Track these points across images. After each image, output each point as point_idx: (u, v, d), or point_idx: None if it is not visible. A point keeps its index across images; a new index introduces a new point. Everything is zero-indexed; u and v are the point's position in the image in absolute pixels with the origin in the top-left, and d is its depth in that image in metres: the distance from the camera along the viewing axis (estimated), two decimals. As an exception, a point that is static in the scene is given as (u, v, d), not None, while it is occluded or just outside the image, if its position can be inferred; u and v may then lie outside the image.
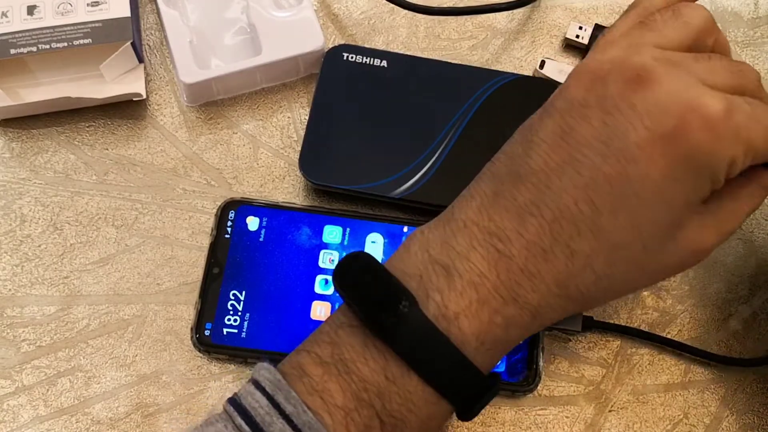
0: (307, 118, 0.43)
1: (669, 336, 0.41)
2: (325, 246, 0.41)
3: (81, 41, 0.42)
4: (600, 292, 0.30)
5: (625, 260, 0.29)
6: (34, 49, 0.42)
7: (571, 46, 0.47)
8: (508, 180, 0.30)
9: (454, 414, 0.30)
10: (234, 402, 0.29)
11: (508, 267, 0.29)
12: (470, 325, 0.28)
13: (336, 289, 0.30)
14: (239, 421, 0.28)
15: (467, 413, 0.30)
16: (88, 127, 0.45)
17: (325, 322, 0.31)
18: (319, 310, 0.39)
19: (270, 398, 0.28)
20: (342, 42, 0.47)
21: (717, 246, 0.32)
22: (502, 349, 0.30)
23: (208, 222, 0.42)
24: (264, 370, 0.29)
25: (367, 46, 0.47)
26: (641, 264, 0.30)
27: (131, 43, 0.42)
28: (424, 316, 0.28)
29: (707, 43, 0.31)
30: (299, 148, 0.42)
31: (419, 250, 0.30)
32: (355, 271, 0.29)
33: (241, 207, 0.41)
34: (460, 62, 0.45)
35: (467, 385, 0.29)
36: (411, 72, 0.44)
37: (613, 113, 0.28)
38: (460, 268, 0.29)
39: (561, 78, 0.45)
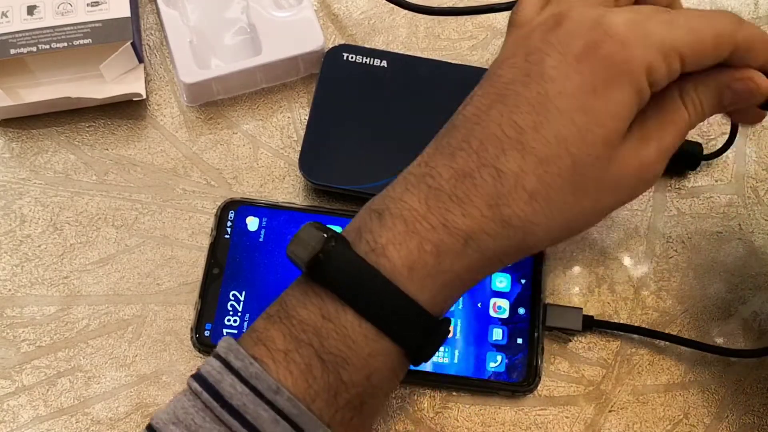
0: (307, 118, 0.43)
1: (669, 336, 0.41)
2: (325, 246, 0.41)
3: (81, 41, 0.42)
4: (538, 216, 0.30)
5: (556, 176, 0.29)
6: (34, 49, 0.42)
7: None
8: (445, 134, 0.31)
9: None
10: (194, 373, 0.30)
11: (438, 196, 0.29)
12: (399, 255, 0.29)
13: (286, 255, 0.31)
14: (195, 385, 0.29)
15: (414, 353, 0.30)
16: (88, 127, 0.45)
17: None
18: (319, 310, 0.39)
19: (222, 360, 0.29)
20: (342, 42, 0.47)
21: (661, 162, 0.31)
22: (441, 282, 0.30)
23: (208, 222, 0.42)
24: (222, 341, 0.30)
25: (367, 46, 0.47)
26: (577, 183, 0.30)
27: (131, 43, 0.42)
28: (351, 250, 0.29)
29: None
30: (299, 148, 0.42)
31: (362, 209, 0.31)
32: (300, 233, 0.30)
33: (241, 207, 0.41)
34: (460, 62, 0.45)
35: (403, 317, 0.29)
36: (411, 72, 0.44)
37: (534, 52, 0.30)
38: (392, 208, 0.30)
39: (561, 78, 0.45)
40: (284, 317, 0.30)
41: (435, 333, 0.30)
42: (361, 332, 0.29)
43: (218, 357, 0.29)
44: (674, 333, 0.41)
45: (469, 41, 0.47)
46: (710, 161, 0.44)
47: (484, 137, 0.30)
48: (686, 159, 0.43)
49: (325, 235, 0.30)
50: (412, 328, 0.29)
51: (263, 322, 0.30)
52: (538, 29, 0.31)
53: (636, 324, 0.41)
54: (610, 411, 0.39)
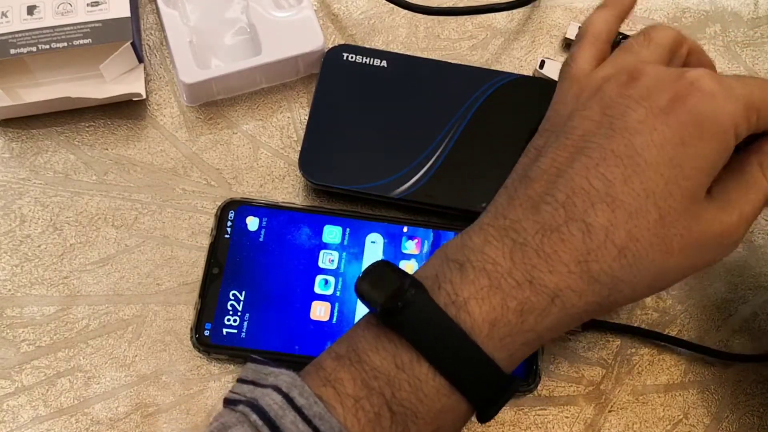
0: (307, 118, 0.43)
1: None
2: (325, 246, 0.41)
3: (81, 41, 0.42)
4: (626, 272, 0.29)
5: (645, 230, 0.29)
6: (34, 49, 0.42)
7: (570, 46, 0.47)
8: (520, 186, 0.31)
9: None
10: (251, 404, 0.29)
11: (523, 251, 0.29)
12: (481, 310, 0.28)
13: (356, 294, 0.30)
14: (254, 417, 0.28)
15: (483, 410, 0.29)
16: (88, 127, 0.45)
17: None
18: (319, 310, 0.39)
19: (285, 395, 0.28)
20: (342, 42, 0.47)
21: (742, 229, 0.31)
22: (521, 342, 0.29)
23: (208, 222, 0.42)
24: (284, 374, 0.29)
25: (367, 46, 0.47)
26: (664, 239, 0.29)
27: (131, 43, 0.42)
28: (431, 300, 0.28)
29: (681, 53, 0.34)
30: (299, 148, 0.42)
31: (437, 257, 0.31)
32: (372, 273, 0.30)
33: (241, 207, 0.41)
34: (460, 62, 0.45)
35: (479, 374, 0.28)
36: (411, 72, 0.44)
37: (612, 106, 0.30)
38: (473, 259, 0.29)
39: (561, 78, 0.46)
40: (355, 361, 0.29)
41: (507, 392, 0.29)
42: (434, 386, 0.28)
43: (279, 390, 0.29)
44: (674, 333, 0.41)
45: (469, 41, 0.47)
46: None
47: (570, 191, 0.29)
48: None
49: (404, 280, 0.29)
50: (486, 386, 0.29)
51: (332, 363, 0.29)
52: (611, 83, 0.31)
53: (636, 323, 0.41)
54: (610, 411, 0.39)
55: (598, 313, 0.30)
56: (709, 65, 0.36)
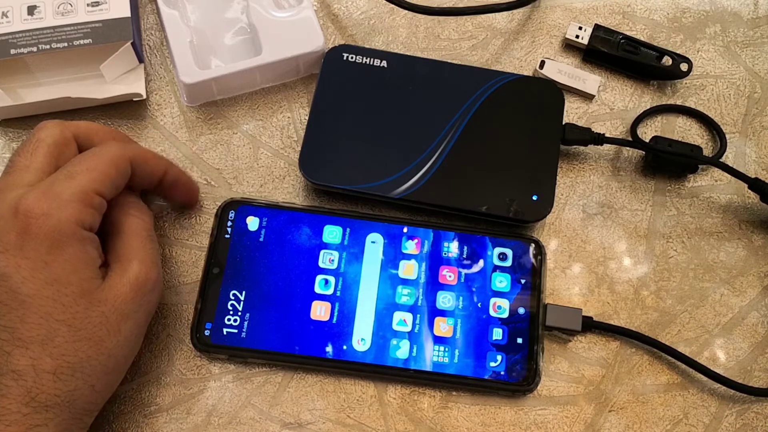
0: (307, 118, 0.43)
1: (668, 336, 0.41)
2: (325, 246, 0.41)
3: (81, 41, 0.42)
4: (71, 382, 0.32)
5: (63, 344, 0.32)
6: (35, 49, 0.42)
7: (570, 46, 0.47)
8: None
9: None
10: None
11: None
12: None
13: None
14: None
15: None
16: (88, 127, 0.45)
17: None
18: (319, 310, 0.39)
19: None
20: (342, 42, 0.47)
21: (150, 267, 0.35)
22: None
23: (208, 222, 0.42)
24: None
25: (367, 46, 0.47)
26: (88, 338, 0.32)
27: (131, 44, 0.42)
28: None
29: (70, 150, 0.36)
30: (299, 148, 0.42)
31: None
32: None
33: (241, 207, 0.41)
34: (460, 62, 0.45)
35: None
36: (411, 72, 0.44)
37: None
38: None
39: (561, 78, 0.46)
40: None
41: None
42: None
43: None
44: (674, 333, 0.41)
45: (469, 41, 0.47)
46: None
47: None
48: (686, 163, 0.43)
49: None
50: None
51: None
52: None
53: (636, 323, 0.41)
54: (610, 411, 0.39)
55: (90, 414, 0.34)
56: (108, 135, 0.37)
